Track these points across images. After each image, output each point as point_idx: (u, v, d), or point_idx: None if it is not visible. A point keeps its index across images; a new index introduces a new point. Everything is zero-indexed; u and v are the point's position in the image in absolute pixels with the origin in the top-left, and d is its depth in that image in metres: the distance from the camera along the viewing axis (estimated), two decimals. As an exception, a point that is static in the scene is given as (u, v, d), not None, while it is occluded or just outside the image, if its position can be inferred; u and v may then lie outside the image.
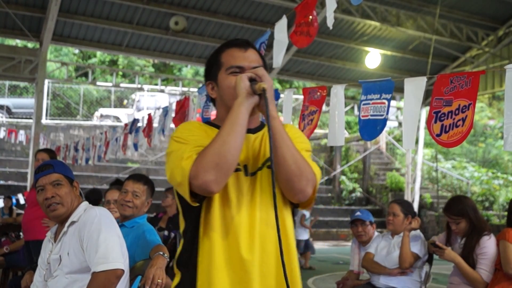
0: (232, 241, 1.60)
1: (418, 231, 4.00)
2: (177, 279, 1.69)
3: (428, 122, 2.47)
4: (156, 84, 15.99)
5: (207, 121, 1.81)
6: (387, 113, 2.72)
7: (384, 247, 4.08)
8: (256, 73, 1.64)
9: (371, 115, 2.76)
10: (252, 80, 1.62)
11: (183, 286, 1.66)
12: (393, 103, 15.46)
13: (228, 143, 1.54)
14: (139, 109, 18.12)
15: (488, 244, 3.54)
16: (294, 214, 1.77)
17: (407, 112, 2.64)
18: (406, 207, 4.12)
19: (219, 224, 1.61)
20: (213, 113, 5.30)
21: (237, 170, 1.64)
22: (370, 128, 2.77)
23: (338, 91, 3.07)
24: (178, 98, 9.39)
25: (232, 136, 1.55)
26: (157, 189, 3.55)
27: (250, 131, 1.68)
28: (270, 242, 1.62)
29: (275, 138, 1.58)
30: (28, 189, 9.55)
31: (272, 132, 1.58)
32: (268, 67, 1.83)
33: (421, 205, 15.15)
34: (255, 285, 1.59)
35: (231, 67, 1.71)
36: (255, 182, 1.67)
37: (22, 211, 9.51)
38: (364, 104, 2.81)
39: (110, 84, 14.27)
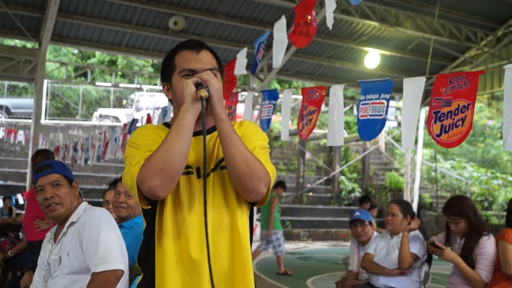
0: (183, 243, 1.64)
1: (417, 231, 4.00)
2: (141, 276, 1.78)
3: (428, 122, 2.47)
4: (155, 84, 16.00)
5: (165, 123, 1.85)
6: (386, 113, 2.72)
7: (383, 248, 4.08)
8: (201, 78, 1.64)
9: (370, 115, 2.76)
10: (198, 85, 1.63)
11: (144, 284, 1.73)
12: (392, 103, 15.47)
13: (172, 149, 1.56)
14: (138, 109, 18.11)
15: (487, 244, 3.55)
16: (252, 214, 1.80)
17: (406, 112, 2.64)
18: (405, 207, 4.12)
19: (170, 226, 1.65)
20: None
21: (188, 173, 1.69)
22: (369, 128, 2.77)
23: (337, 91, 3.07)
24: (177, 98, 9.37)
25: (176, 142, 1.57)
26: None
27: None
28: (223, 242, 1.67)
29: (223, 140, 1.62)
30: (27, 189, 9.54)
31: (220, 135, 1.63)
32: (223, 66, 1.86)
33: (420, 205, 15.15)
34: (206, 284, 1.63)
35: (184, 70, 1.73)
36: (208, 184, 1.68)
37: (22, 211, 9.51)
38: (363, 104, 2.81)
39: (109, 84, 14.25)
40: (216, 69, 1.76)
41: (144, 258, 1.74)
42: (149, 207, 1.67)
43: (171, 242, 1.65)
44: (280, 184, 8.91)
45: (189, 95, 1.62)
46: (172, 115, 5.94)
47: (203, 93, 1.61)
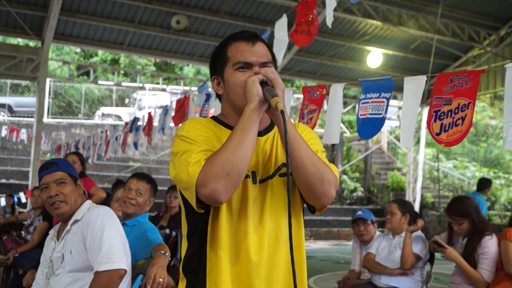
0: (239, 253, 1.55)
1: (419, 231, 4.01)
2: (182, 285, 1.64)
3: (428, 121, 2.48)
4: (158, 83, 16.02)
5: (212, 117, 1.72)
6: (386, 112, 2.72)
7: (385, 248, 4.09)
8: (267, 76, 1.53)
9: (370, 114, 2.77)
10: (263, 83, 1.53)
11: None
12: (395, 102, 15.46)
13: (239, 152, 1.45)
14: (140, 108, 18.15)
15: (490, 244, 3.55)
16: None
17: (406, 110, 2.65)
18: (404, 206, 4.14)
19: (226, 235, 1.55)
20: (211, 112, 5.29)
21: (245, 176, 1.57)
22: (368, 126, 2.78)
23: (337, 90, 3.08)
24: (179, 97, 9.40)
25: (244, 144, 1.46)
26: (158, 188, 3.56)
27: (259, 133, 1.59)
28: (280, 254, 1.58)
29: (290, 143, 1.48)
30: (29, 187, 9.57)
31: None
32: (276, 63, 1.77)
33: (423, 205, 15.14)
34: None
35: (239, 62, 1.61)
36: (264, 191, 1.59)
37: (24, 210, 9.55)
38: (363, 103, 2.81)
39: (112, 83, 14.30)
40: (271, 62, 1.65)
41: (194, 267, 1.61)
42: (203, 211, 1.53)
43: (226, 251, 1.54)
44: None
45: (256, 95, 1.50)
46: (173, 114, 5.95)
47: (280, 105, 1.47)
